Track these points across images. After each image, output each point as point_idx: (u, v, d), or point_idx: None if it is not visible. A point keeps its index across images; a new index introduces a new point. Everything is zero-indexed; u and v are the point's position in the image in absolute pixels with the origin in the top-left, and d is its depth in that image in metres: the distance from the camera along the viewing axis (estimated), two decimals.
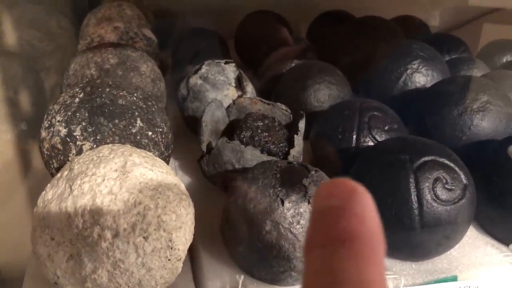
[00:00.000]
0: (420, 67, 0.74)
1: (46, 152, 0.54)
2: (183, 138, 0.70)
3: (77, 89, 0.55)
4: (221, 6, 1.09)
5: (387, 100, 0.73)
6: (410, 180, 0.45)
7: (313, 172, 0.46)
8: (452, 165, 0.46)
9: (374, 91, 0.78)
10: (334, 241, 0.17)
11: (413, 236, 0.46)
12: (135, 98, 0.55)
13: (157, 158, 0.46)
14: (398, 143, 0.50)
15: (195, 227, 0.54)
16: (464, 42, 0.94)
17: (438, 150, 0.47)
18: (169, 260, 0.41)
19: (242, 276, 0.45)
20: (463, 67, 0.83)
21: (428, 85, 0.72)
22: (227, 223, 0.46)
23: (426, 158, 0.46)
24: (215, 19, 1.07)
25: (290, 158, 0.58)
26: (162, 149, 0.56)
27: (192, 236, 0.45)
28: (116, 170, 0.41)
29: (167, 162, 0.60)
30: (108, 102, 0.54)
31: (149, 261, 0.40)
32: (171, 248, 0.41)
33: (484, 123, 0.60)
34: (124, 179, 0.40)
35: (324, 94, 0.74)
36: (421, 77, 0.74)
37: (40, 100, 0.81)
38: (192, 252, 0.52)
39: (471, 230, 0.54)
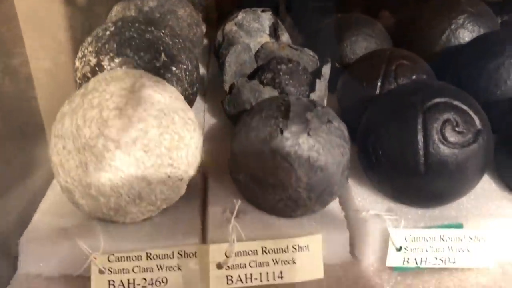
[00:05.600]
0: (466, 22, 0.70)
1: (78, 81, 0.58)
2: (217, 83, 0.72)
3: (109, 23, 0.58)
4: None
5: (428, 56, 0.71)
6: (418, 120, 0.44)
7: (319, 108, 0.46)
8: (466, 108, 0.44)
9: (415, 47, 0.75)
10: None
11: (417, 179, 0.44)
12: (162, 34, 0.58)
13: (169, 85, 0.48)
14: (413, 86, 0.49)
15: (211, 161, 0.56)
16: None
17: (454, 93, 0.45)
18: (169, 177, 0.44)
19: (239, 201, 0.46)
20: None
21: None
22: (232, 152, 0.48)
23: (439, 100, 0.45)
24: None
25: None
26: (186, 85, 0.59)
27: (197, 160, 0.47)
28: (125, 89, 0.43)
29: (192, 100, 0.62)
30: (135, 36, 0.56)
31: (149, 174, 0.42)
32: (171, 165, 0.43)
33: None
34: (131, 97, 0.43)
35: (361, 47, 0.72)
36: (466, 32, 0.70)
37: None
38: (205, 182, 0.54)
39: (489, 182, 0.52)
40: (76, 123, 0.43)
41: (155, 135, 0.42)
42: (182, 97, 0.49)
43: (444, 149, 0.43)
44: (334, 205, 0.50)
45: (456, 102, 0.45)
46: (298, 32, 0.99)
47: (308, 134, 0.44)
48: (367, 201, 0.50)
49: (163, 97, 0.45)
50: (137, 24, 0.57)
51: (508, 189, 0.52)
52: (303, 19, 0.93)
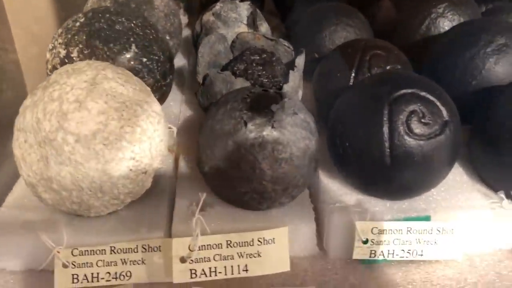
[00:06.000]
0: (446, 11, 0.69)
1: (49, 73, 0.57)
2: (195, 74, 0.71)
3: (80, 15, 0.58)
4: None
5: (408, 45, 0.70)
6: (384, 111, 0.43)
7: (286, 100, 0.46)
8: (433, 99, 0.44)
9: (396, 36, 0.74)
10: None
11: (384, 171, 0.44)
12: (132, 25, 0.57)
13: (134, 76, 0.47)
14: (381, 77, 0.48)
15: (183, 153, 0.56)
16: None
17: (421, 84, 0.45)
18: (131, 170, 0.43)
19: (205, 194, 0.45)
20: (501, 15, 0.76)
21: None
22: (198, 144, 0.47)
23: (405, 91, 0.44)
24: None
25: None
26: (158, 77, 0.58)
27: (162, 153, 0.46)
28: (86, 81, 0.43)
29: (165, 91, 0.61)
30: (105, 27, 0.55)
31: (110, 168, 0.42)
32: (134, 159, 0.43)
33: (498, 67, 0.55)
34: (92, 89, 0.42)
35: (340, 37, 0.71)
36: (446, 21, 0.69)
37: None
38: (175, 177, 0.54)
39: (462, 174, 0.51)
40: (37, 117, 0.42)
41: (116, 128, 0.42)
42: (148, 89, 0.48)
43: (410, 141, 0.43)
44: (304, 197, 0.49)
45: (423, 93, 0.44)
46: (281, 21, 0.98)
47: (273, 127, 0.43)
48: (336, 193, 0.49)
49: (126, 89, 0.44)
50: (107, 15, 0.57)
51: (481, 180, 0.52)
52: (287, 8, 0.92)
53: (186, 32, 0.90)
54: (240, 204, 0.46)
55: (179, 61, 0.81)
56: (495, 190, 0.49)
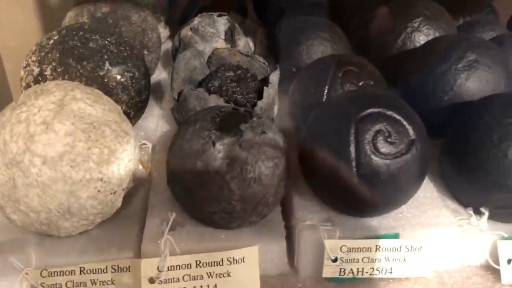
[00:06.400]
0: (422, 25, 0.70)
1: (23, 90, 0.57)
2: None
3: (54, 32, 0.58)
4: None
5: (383, 59, 0.71)
6: (351, 131, 0.44)
7: (254, 119, 0.46)
8: (399, 118, 0.44)
9: (372, 50, 0.75)
10: None
11: (351, 189, 0.44)
12: (106, 42, 0.57)
13: (104, 96, 0.47)
14: (349, 95, 0.48)
15: (158, 171, 0.56)
16: (491, 4, 0.87)
17: (388, 103, 0.45)
18: (99, 191, 0.43)
19: (174, 214, 0.46)
20: (478, 29, 0.77)
21: None
22: (167, 164, 0.47)
23: (371, 110, 0.44)
24: None
25: (257, 109, 0.57)
26: (132, 93, 0.58)
27: (132, 173, 0.46)
28: (54, 103, 0.43)
29: (141, 108, 0.61)
30: (79, 44, 0.56)
31: (77, 190, 0.42)
32: (101, 180, 0.43)
33: (469, 83, 0.56)
34: (59, 111, 0.42)
35: (317, 51, 0.72)
36: (422, 36, 0.70)
37: None
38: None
39: (432, 190, 0.52)
40: (4, 138, 0.42)
41: (83, 150, 0.42)
42: (118, 108, 0.48)
43: (376, 160, 0.43)
44: (275, 215, 0.49)
45: (389, 112, 0.44)
46: (264, 35, 0.98)
47: (241, 146, 0.43)
48: (308, 209, 0.49)
49: (95, 109, 0.44)
50: (81, 33, 0.57)
51: (452, 196, 0.52)
52: (269, 22, 0.93)
53: (167, 45, 0.90)
54: (210, 224, 0.46)
55: (159, 74, 0.82)
56: (465, 206, 0.50)
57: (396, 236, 0.46)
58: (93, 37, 0.57)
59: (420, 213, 0.48)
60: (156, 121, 0.68)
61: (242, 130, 0.44)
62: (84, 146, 0.42)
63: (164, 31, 0.89)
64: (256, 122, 0.45)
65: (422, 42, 0.69)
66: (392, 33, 0.71)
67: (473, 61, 0.56)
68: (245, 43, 0.74)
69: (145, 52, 0.71)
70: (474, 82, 0.56)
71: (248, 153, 0.43)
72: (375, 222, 0.47)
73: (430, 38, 0.69)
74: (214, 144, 0.43)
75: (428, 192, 0.51)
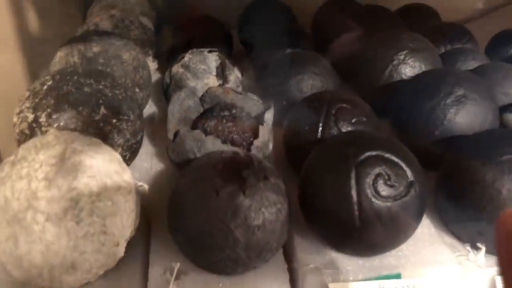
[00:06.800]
0: (407, 58, 0.72)
1: (17, 137, 0.56)
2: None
3: (47, 77, 0.57)
4: None
5: (371, 92, 0.72)
6: (351, 175, 0.45)
7: (255, 164, 0.46)
8: (397, 161, 0.45)
9: (360, 82, 0.76)
10: None
11: (353, 232, 0.45)
12: (101, 86, 0.57)
13: (103, 145, 0.47)
14: (346, 137, 0.49)
15: (155, 214, 0.56)
16: (469, 32, 0.90)
17: (386, 145, 0.46)
18: (103, 244, 0.43)
19: (178, 264, 0.46)
20: (460, 58, 0.79)
21: None
22: (169, 211, 0.47)
23: (370, 153, 0.45)
24: (219, 7, 1.07)
25: (253, 148, 0.58)
26: (128, 136, 0.58)
27: (133, 223, 0.46)
28: (55, 157, 0.43)
29: (136, 149, 0.61)
30: (73, 90, 0.55)
31: (82, 245, 0.42)
32: (105, 233, 0.43)
33: (458, 118, 0.58)
34: (61, 165, 0.42)
35: (307, 85, 0.73)
36: (408, 68, 0.72)
37: None
38: (148, 238, 0.54)
39: (429, 226, 0.53)
40: (5, 195, 0.42)
41: (86, 204, 0.42)
42: (118, 158, 0.48)
43: (377, 203, 0.44)
44: (278, 258, 0.50)
45: (387, 155, 0.45)
46: (253, 69, 0.99)
47: (244, 194, 0.44)
48: (310, 250, 0.50)
49: (96, 160, 0.44)
50: (75, 77, 0.57)
51: (448, 231, 0.53)
52: (256, 56, 0.94)
53: (156, 77, 0.91)
54: (214, 270, 0.47)
55: (149, 109, 0.82)
56: (463, 241, 0.51)
57: (398, 276, 0.46)
58: (88, 82, 0.57)
59: (418, 250, 0.49)
60: (150, 160, 0.68)
61: (244, 176, 0.45)
62: (87, 200, 0.42)
63: (152, 64, 0.89)
64: (257, 167, 0.46)
65: (409, 74, 0.71)
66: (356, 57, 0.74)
67: (461, 96, 0.58)
68: (235, 78, 0.75)
69: (137, 90, 0.71)
70: (463, 116, 0.58)
71: (252, 200, 0.44)
72: (376, 262, 0.48)
73: (416, 70, 0.71)
74: (217, 192, 0.43)
75: (425, 228, 0.52)
